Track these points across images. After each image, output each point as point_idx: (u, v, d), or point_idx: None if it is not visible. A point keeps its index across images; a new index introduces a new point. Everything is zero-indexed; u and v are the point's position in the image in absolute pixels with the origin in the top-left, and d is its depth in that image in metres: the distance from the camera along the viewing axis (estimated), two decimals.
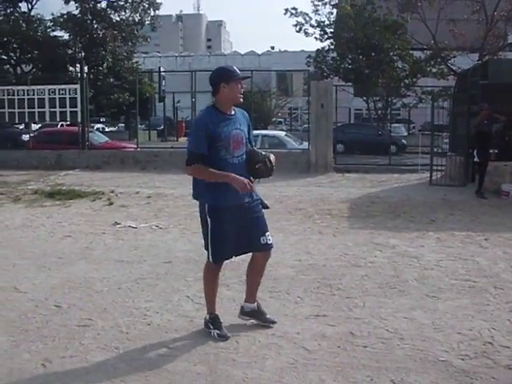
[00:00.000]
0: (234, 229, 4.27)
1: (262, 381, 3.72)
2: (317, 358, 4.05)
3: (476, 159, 12.26)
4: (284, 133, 22.81)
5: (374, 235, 8.10)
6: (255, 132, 19.86)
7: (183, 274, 6.11)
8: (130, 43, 33.09)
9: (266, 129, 31.93)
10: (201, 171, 4.18)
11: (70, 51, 31.89)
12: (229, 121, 4.23)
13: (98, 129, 32.03)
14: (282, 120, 45.95)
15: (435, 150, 14.98)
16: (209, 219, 4.26)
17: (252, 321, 4.64)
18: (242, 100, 4.29)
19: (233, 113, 4.29)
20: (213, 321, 4.46)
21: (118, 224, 8.80)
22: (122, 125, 42.13)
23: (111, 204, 10.74)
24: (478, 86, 12.94)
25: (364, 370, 3.88)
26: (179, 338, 4.40)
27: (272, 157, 4.35)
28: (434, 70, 28.29)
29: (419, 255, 7.00)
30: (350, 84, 29.51)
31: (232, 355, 4.09)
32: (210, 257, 4.37)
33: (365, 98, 31.78)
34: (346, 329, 4.56)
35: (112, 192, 12.08)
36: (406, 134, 33.88)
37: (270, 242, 4.45)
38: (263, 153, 4.38)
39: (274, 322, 4.61)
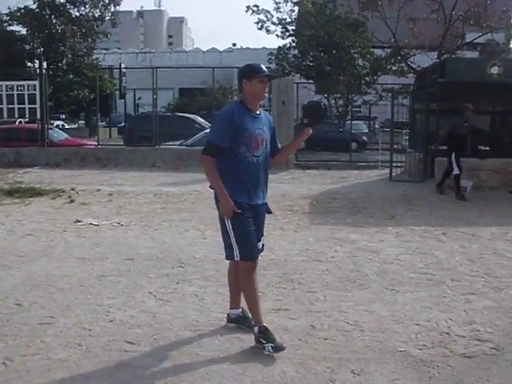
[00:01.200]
0: (253, 226, 4.18)
1: (226, 374, 3.77)
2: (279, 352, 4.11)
3: (456, 172, 11.56)
4: None
5: (334, 230, 8.22)
6: None
7: (145, 271, 6.10)
8: (89, 39, 32.70)
9: None
10: (209, 168, 4.11)
11: (27, 46, 31.37)
12: (253, 119, 4.20)
13: (57, 126, 31.53)
14: None
15: (395, 146, 15.22)
16: (232, 218, 4.12)
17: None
18: (265, 96, 4.32)
19: (258, 113, 4.27)
20: (264, 334, 4.12)
21: (80, 222, 8.72)
22: (82, 122, 41.60)
23: (72, 202, 10.63)
24: (436, 84, 13.21)
25: (325, 362, 3.96)
26: (142, 333, 4.41)
27: None
28: (394, 67, 28.71)
29: (379, 250, 7.14)
30: (312, 81, 29.70)
31: (195, 349, 4.13)
32: (238, 255, 4.17)
33: (326, 96, 32.03)
34: (307, 322, 4.64)
35: (73, 190, 11.94)
36: (366, 130, 34.22)
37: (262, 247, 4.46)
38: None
39: None
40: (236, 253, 4.17)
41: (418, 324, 4.68)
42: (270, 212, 4.46)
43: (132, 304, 5.08)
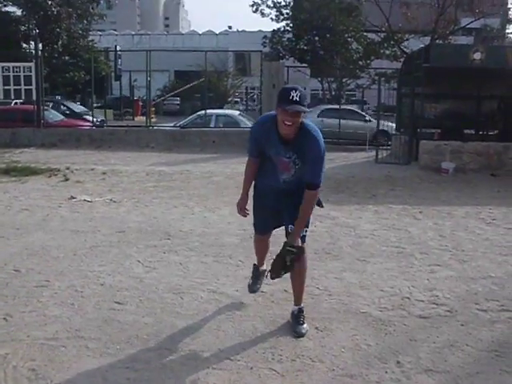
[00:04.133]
0: (268, 209, 4.41)
1: (202, 329, 4.21)
2: (252, 311, 4.56)
3: None
4: (238, 112, 23.14)
5: (316, 208, 8.59)
6: (210, 111, 20.21)
7: (135, 242, 6.53)
8: (85, 21, 32.77)
9: (222, 108, 32.22)
10: (246, 168, 4.42)
11: (23, 28, 31.41)
12: (281, 145, 4.02)
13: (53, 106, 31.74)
14: (238, 100, 46.18)
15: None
16: (253, 197, 4.52)
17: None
18: (285, 134, 3.95)
19: (289, 138, 3.99)
20: (254, 270, 4.82)
21: (74, 198, 9.12)
22: (78, 103, 41.81)
23: (67, 180, 11.02)
24: (421, 69, 13.57)
25: None
26: (129, 295, 4.85)
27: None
28: (387, 52, 28.99)
29: (356, 225, 7.57)
30: (305, 65, 29.96)
31: (176, 309, 4.57)
32: (254, 228, 4.67)
33: (320, 79, 32.31)
34: (281, 287, 5.04)
35: (68, 169, 12.32)
36: None
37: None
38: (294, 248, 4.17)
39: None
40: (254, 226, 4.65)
41: (382, 290, 5.12)
42: (320, 205, 4.79)
43: (121, 270, 5.51)
